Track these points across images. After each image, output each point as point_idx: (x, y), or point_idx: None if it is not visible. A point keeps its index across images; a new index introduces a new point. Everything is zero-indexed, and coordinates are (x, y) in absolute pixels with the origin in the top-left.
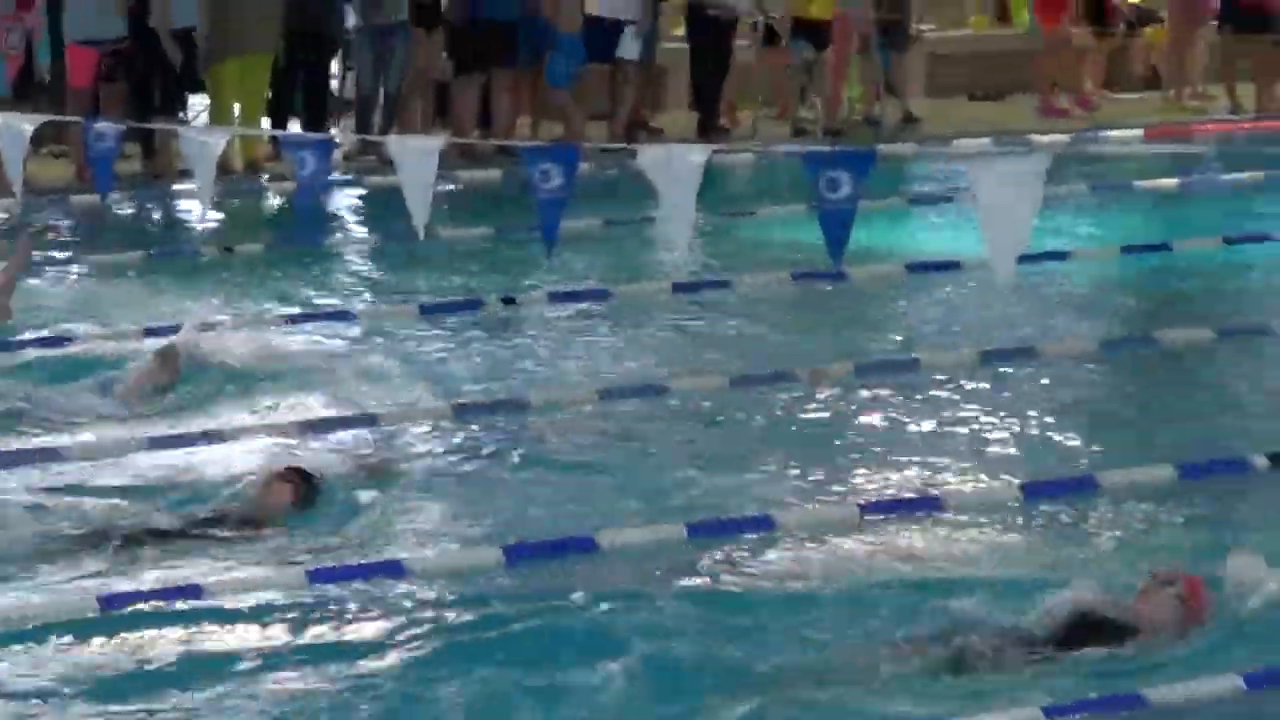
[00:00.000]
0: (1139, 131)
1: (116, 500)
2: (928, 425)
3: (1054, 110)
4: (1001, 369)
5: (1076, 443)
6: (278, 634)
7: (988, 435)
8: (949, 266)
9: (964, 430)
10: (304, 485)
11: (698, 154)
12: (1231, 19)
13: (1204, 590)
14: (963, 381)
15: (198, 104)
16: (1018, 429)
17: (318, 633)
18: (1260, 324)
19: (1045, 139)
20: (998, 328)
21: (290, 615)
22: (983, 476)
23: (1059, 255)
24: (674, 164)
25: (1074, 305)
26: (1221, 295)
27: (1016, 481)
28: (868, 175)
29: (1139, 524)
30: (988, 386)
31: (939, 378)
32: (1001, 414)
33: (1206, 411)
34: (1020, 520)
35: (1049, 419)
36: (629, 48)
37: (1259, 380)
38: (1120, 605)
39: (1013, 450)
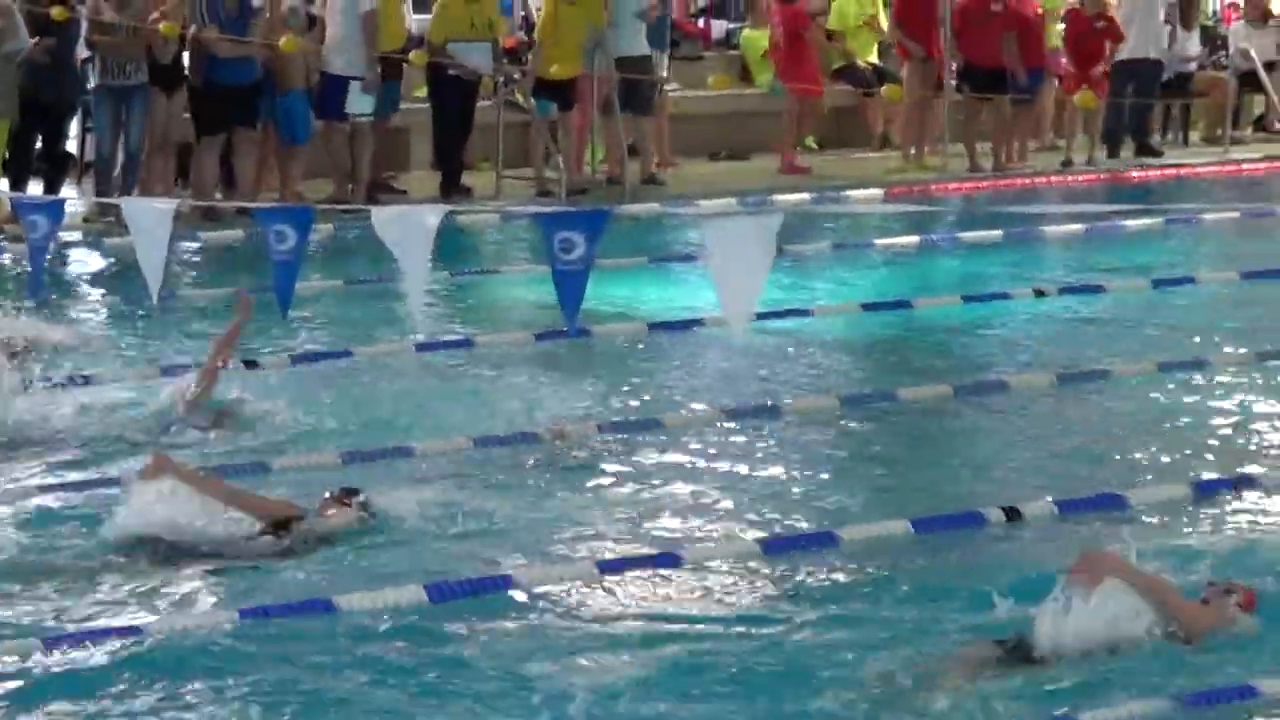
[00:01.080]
0: (879, 191)
1: None
2: (669, 482)
3: (795, 169)
4: (743, 425)
5: (817, 498)
6: None
7: (729, 491)
8: (691, 324)
9: (705, 486)
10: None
11: (431, 215)
12: (970, 79)
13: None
14: (705, 438)
15: None
16: (759, 485)
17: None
18: (998, 380)
19: (787, 198)
20: (740, 384)
21: None
22: (723, 532)
23: (802, 312)
24: (408, 224)
25: (816, 362)
26: (960, 352)
27: (756, 536)
28: (602, 236)
29: (877, 578)
30: (729, 442)
31: (681, 435)
32: (742, 469)
33: (946, 466)
34: (760, 574)
35: (791, 474)
36: (359, 104)
37: (995, 435)
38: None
39: (754, 506)
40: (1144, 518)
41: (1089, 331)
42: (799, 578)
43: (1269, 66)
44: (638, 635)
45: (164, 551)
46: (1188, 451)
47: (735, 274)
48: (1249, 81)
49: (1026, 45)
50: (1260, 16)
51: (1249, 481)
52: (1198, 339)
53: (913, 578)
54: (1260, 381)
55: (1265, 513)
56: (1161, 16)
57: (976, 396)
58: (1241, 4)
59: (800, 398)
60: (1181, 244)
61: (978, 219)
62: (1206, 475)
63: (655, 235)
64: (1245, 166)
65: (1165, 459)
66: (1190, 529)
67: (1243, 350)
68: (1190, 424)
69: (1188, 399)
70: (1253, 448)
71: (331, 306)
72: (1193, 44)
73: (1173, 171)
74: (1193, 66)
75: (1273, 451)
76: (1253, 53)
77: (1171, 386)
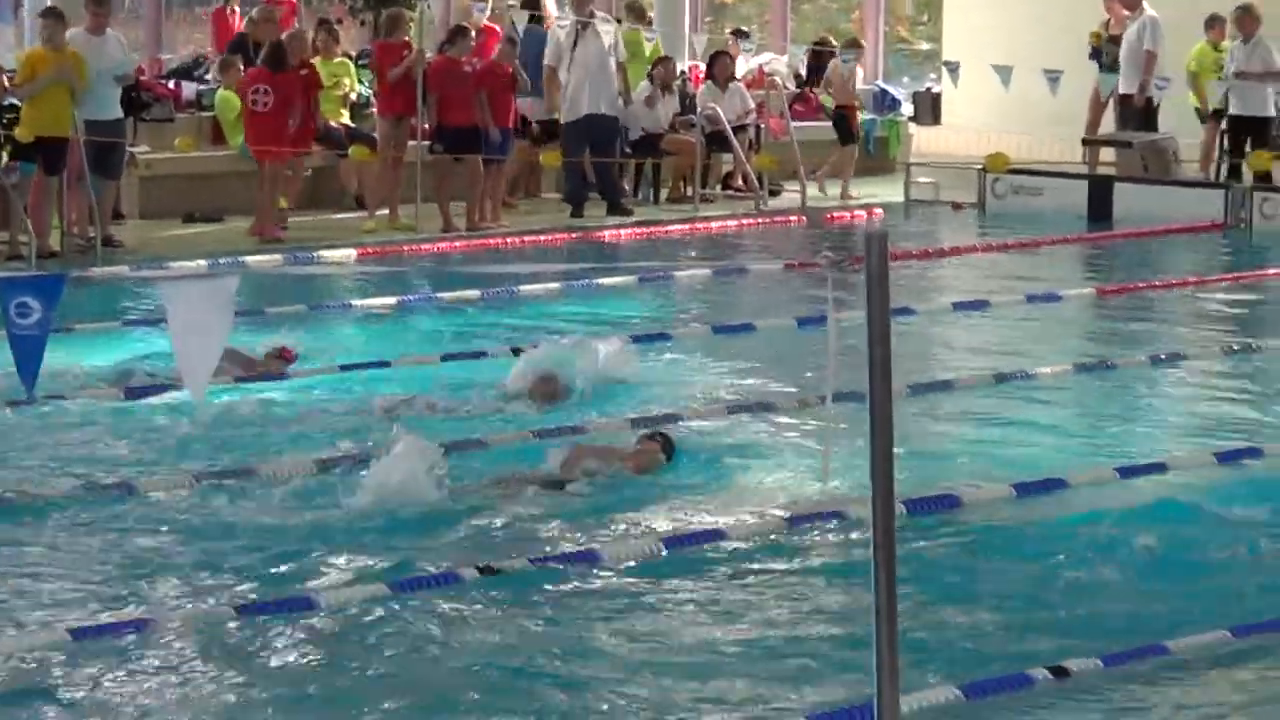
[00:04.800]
0: (352, 251)
1: None
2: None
3: (267, 231)
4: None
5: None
6: None
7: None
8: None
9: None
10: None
11: None
12: (443, 139)
13: None
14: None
15: None
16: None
17: None
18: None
19: (260, 259)
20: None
21: None
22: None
23: (277, 377)
24: None
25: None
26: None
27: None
28: (58, 301)
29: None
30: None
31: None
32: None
33: None
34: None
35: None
36: None
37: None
38: None
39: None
40: None
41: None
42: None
43: (736, 129)
44: None
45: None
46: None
47: (193, 337)
48: (716, 141)
49: (499, 105)
50: (725, 80)
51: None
52: (680, 390)
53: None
54: (730, 436)
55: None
56: (614, 75)
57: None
58: (704, 66)
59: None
60: (656, 300)
61: (453, 278)
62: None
63: (126, 298)
64: (714, 225)
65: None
66: None
67: (722, 398)
68: None
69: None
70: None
71: None
72: (671, 105)
73: (644, 230)
74: (664, 127)
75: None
76: (720, 113)
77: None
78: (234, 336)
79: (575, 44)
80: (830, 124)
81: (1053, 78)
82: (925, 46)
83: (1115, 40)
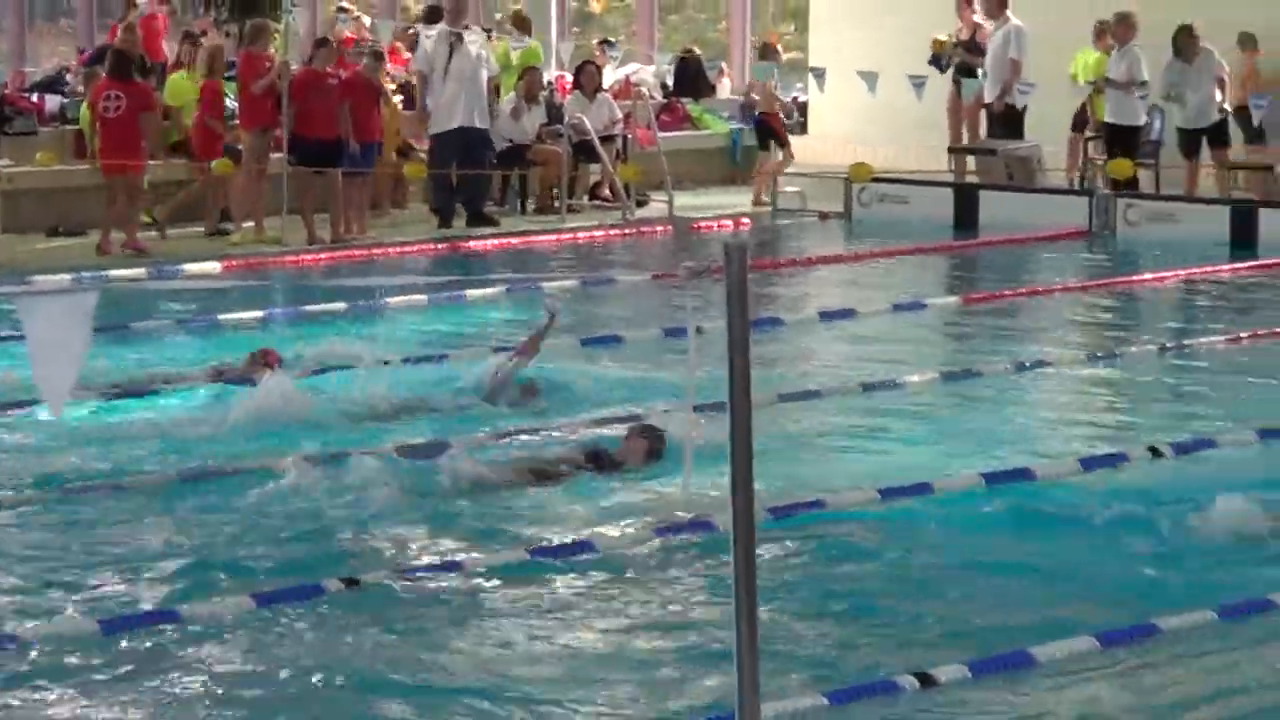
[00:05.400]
0: (216, 265)
1: None
2: None
3: (129, 244)
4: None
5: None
6: None
7: None
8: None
9: None
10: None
11: None
12: (302, 151)
13: None
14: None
15: None
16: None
17: None
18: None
19: (123, 273)
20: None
21: None
22: None
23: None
24: None
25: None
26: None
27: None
28: None
29: None
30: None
31: None
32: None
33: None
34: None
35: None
36: None
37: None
38: None
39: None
40: None
41: (440, 399)
42: None
43: (604, 139)
44: None
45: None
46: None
47: (51, 353)
48: (583, 151)
49: (363, 118)
50: (592, 90)
51: None
52: (557, 397)
53: None
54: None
55: None
56: (485, 87)
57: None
58: (570, 77)
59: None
60: (521, 311)
61: (319, 291)
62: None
63: None
64: (581, 235)
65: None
66: None
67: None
68: None
69: None
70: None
71: None
72: (537, 116)
73: (511, 241)
74: (530, 137)
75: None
76: (587, 123)
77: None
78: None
79: (450, 56)
80: (698, 134)
81: (918, 83)
82: (792, 55)
83: (965, 46)
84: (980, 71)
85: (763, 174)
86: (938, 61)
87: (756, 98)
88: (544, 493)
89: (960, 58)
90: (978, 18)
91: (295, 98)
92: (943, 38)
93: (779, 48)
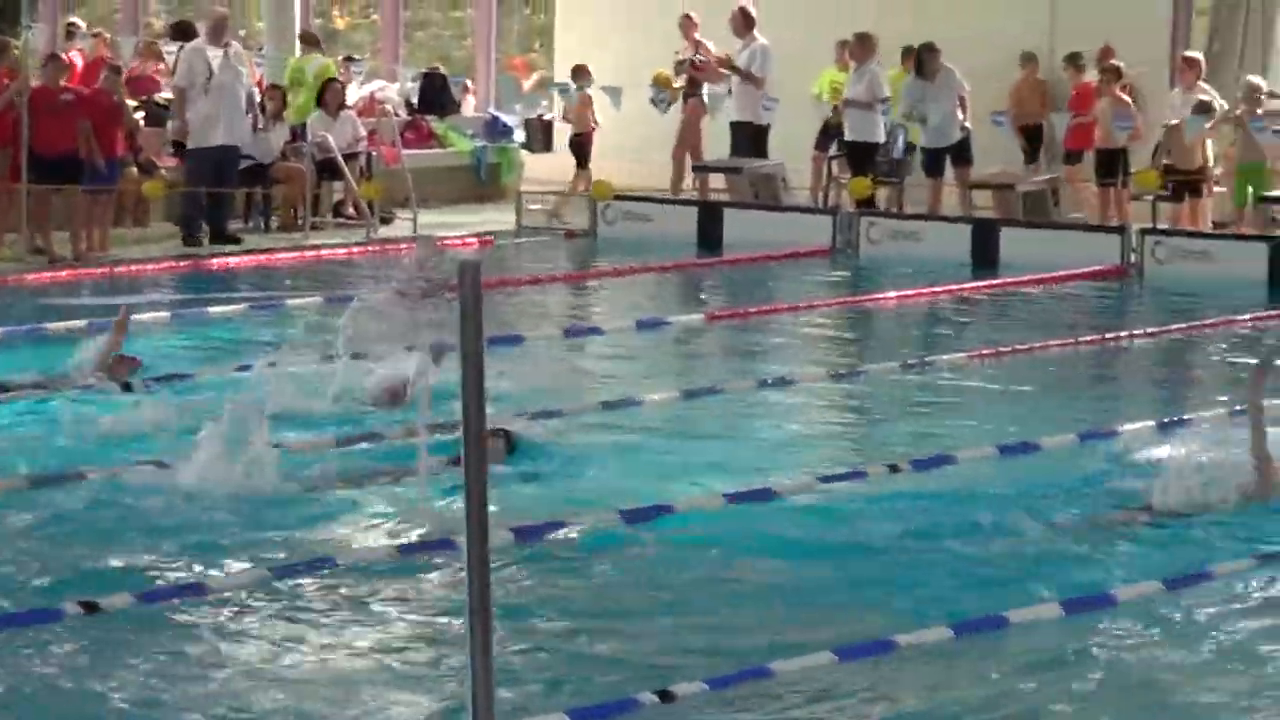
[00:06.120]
0: None
1: None
2: None
3: None
4: None
5: None
6: None
7: None
8: None
9: None
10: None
11: None
12: (39, 168)
13: None
14: None
15: None
16: None
17: None
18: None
19: None
20: None
21: None
22: None
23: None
24: None
25: None
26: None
27: None
28: None
29: None
30: None
31: None
32: None
33: None
34: None
35: None
36: None
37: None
38: None
39: None
40: None
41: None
42: None
43: (347, 157)
44: None
45: None
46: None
47: None
48: (327, 169)
49: (105, 134)
50: (336, 108)
51: None
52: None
53: None
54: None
55: None
56: (243, 107)
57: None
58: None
59: None
60: (260, 329)
61: (58, 309)
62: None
63: None
64: (324, 253)
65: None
66: None
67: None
68: None
69: None
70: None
71: None
72: (281, 133)
73: (254, 259)
74: (274, 154)
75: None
76: (330, 141)
77: None
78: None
79: (210, 72)
80: (443, 151)
81: (661, 100)
82: (540, 74)
83: (693, 65)
84: (705, 88)
85: (571, 194)
86: (658, 101)
87: (570, 119)
88: (290, 507)
89: (691, 75)
90: (698, 35)
91: (30, 115)
92: (668, 71)
93: (589, 68)
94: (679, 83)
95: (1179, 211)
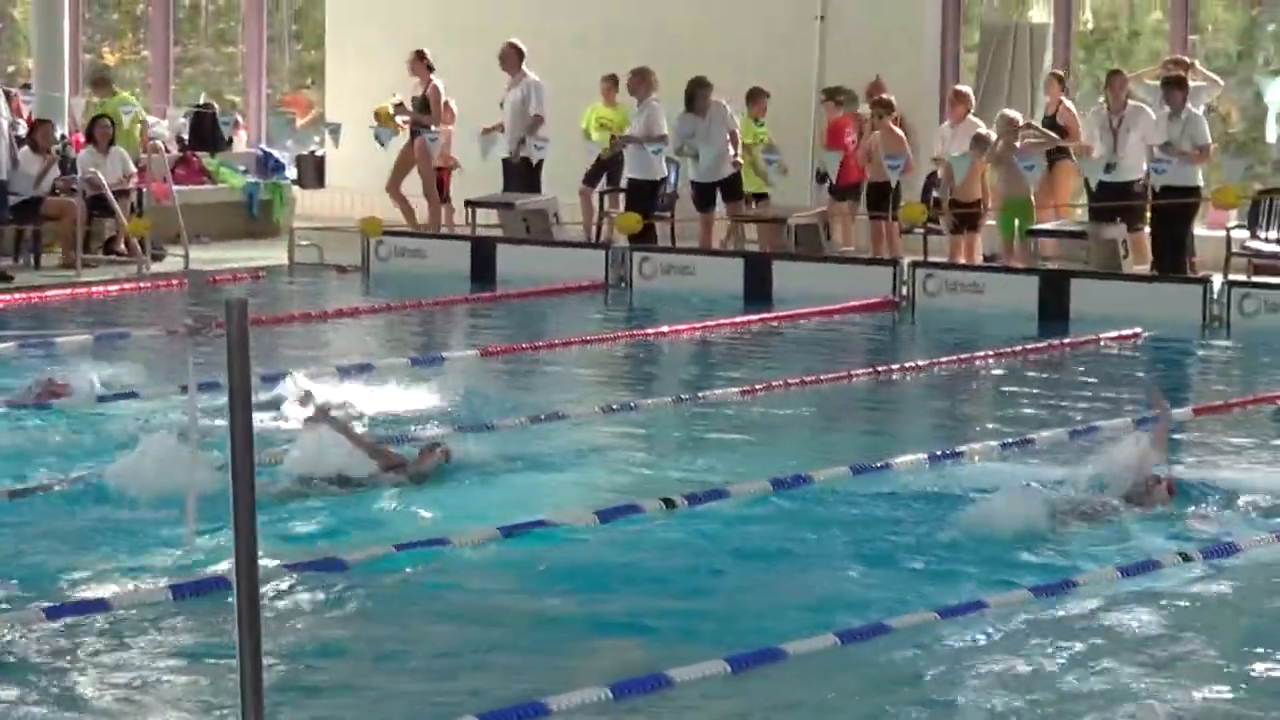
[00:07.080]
0: None
1: None
2: None
3: None
4: None
5: None
6: None
7: None
8: None
9: None
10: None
11: None
12: None
13: None
14: None
15: None
16: None
17: None
18: None
19: None
20: None
21: None
22: None
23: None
24: None
25: None
26: None
27: None
28: None
29: None
30: None
31: None
32: None
33: None
34: None
35: None
36: None
37: None
38: None
39: None
40: None
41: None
42: None
43: (118, 193)
44: None
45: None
46: None
47: None
48: (98, 205)
49: None
50: (106, 144)
51: None
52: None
53: None
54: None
55: None
56: (8, 139)
57: None
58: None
59: None
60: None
61: None
62: None
63: None
64: (96, 289)
65: None
66: None
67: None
68: None
69: None
70: None
71: None
72: (52, 170)
73: (24, 296)
74: (44, 191)
75: None
76: (101, 177)
77: None
78: None
79: None
80: (215, 187)
81: (432, 138)
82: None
83: (415, 104)
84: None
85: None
86: (379, 137)
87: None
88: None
89: (412, 117)
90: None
91: None
92: (389, 106)
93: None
94: (401, 119)
95: (956, 244)
